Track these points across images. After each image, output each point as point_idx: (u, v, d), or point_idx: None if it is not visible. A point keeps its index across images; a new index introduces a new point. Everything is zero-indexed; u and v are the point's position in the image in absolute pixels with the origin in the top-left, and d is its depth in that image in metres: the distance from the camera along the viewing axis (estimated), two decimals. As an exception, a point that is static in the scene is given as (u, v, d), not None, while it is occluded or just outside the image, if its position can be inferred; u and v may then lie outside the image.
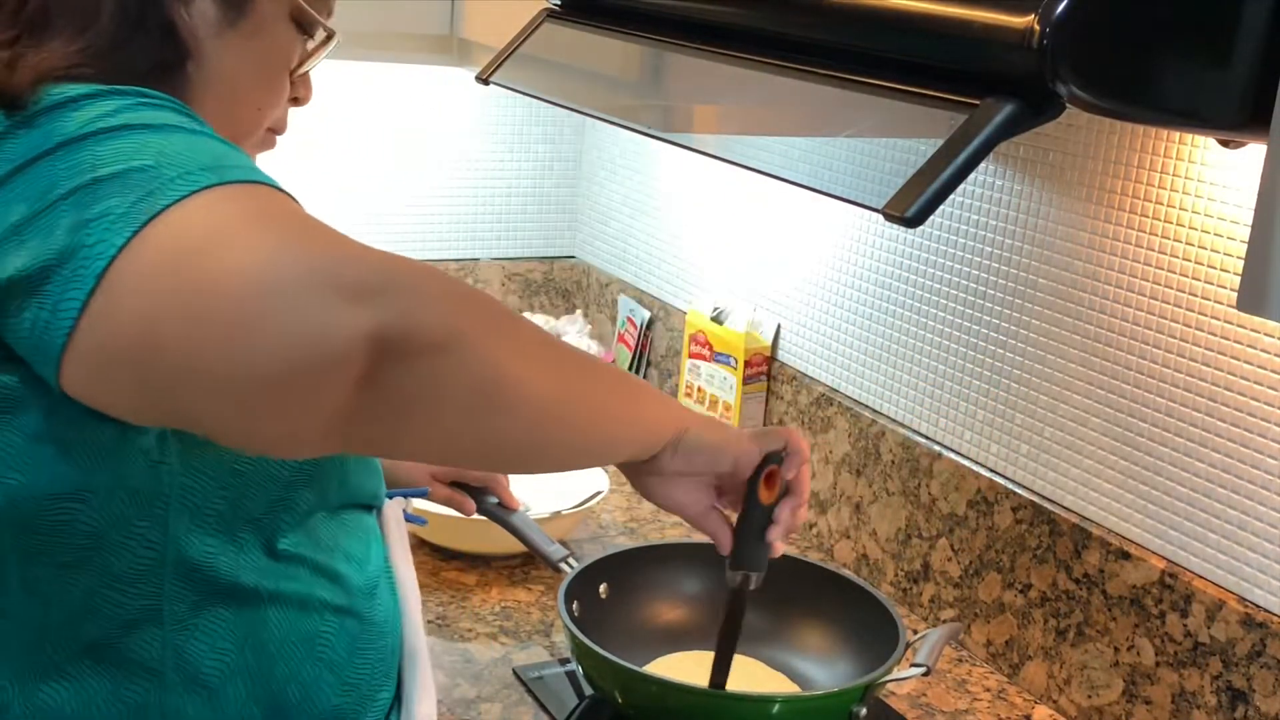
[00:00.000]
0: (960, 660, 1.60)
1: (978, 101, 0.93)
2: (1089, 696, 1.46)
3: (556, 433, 0.96)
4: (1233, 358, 1.31)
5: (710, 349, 1.97)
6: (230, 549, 0.96)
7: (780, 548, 1.20)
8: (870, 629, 1.41)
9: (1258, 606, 1.29)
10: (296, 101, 1.09)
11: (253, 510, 0.97)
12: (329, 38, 1.08)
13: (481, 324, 0.87)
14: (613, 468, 2.03)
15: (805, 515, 1.21)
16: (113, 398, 0.85)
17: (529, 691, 1.46)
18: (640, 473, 1.13)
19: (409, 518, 1.58)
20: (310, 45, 1.06)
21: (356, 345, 0.79)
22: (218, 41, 0.98)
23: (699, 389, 1.99)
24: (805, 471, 1.18)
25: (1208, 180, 1.31)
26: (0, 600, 0.92)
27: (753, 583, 1.21)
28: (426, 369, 0.83)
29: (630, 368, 2.22)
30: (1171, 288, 1.36)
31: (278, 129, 1.09)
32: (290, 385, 0.79)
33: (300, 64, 1.07)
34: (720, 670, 1.28)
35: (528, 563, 1.71)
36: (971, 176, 1.53)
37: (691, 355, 2.01)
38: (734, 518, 1.20)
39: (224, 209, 0.81)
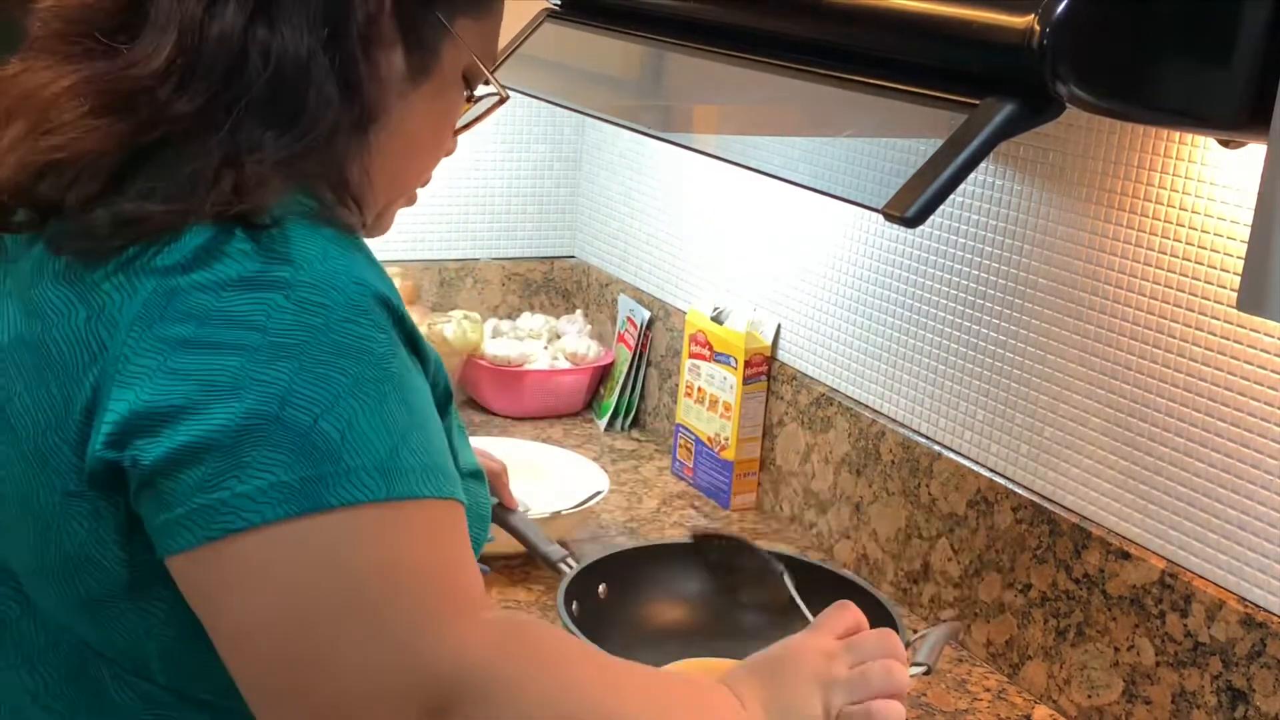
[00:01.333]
0: (960, 660, 1.60)
1: (978, 101, 0.93)
2: (1089, 696, 1.46)
3: None
4: (1233, 358, 1.31)
5: (710, 349, 1.97)
6: None
7: None
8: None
9: (1258, 606, 1.29)
10: (446, 153, 1.05)
11: None
12: (501, 100, 1.05)
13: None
14: (613, 468, 2.04)
15: None
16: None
17: (529, 691, 1.46)
18: None
19: None
20: (468, 98, 1.03)
21: None
22: (402, 103, 0.94)
23: (699, 389, 1.99)
24: None
25: (1208, 180, 1.31)
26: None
27: None
28: None
29: (630, 367, 2.22)
30: (1172, 288, 1.36)
31: (426, 182, 1.06)
32: None
33: (465, 120, 1.04)
34: None
35: (528, 563, 1.71)
36: (971, 176, 1.53)
37: (691, 355, 2.01)
38: None
39: (365, 549, 0.79)
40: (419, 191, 1.06)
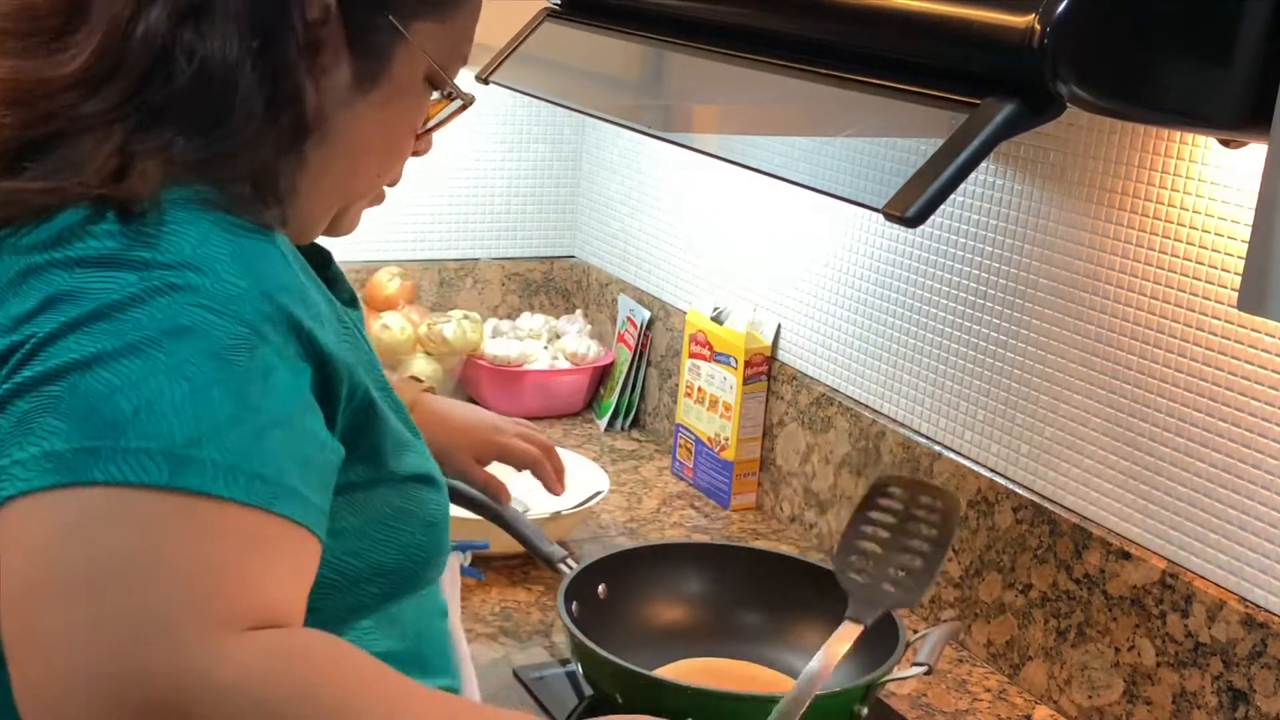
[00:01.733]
0: (961, 660, 1.60)
1: (978, 101, 0.93)
2: (1089, 697, 1.46)
3: None
4: (1233, 358, 1.31)
5: (710, 349, 1.97)
6: None
7: None
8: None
9: (1258, 607, 1.29)
10: (415, 154, 1.03)
11: (334, 610, 0.92)
12: (464, 105, 1.02)
13: None
14: (613, 468, 2.04)
15: None
16: None
17: (529, 692, 1.46)
18: None
19: (465, 571, 1.54)
20: (434, 99, 1.00)
21: None
22: (347, 112, 0.92)
23: (699, 389, 1.99)
24: None
25: (1208, 180, 1.31)
26: None
27: None
28: None
29: (630, 367, 2.22)
30: (1172, 288, 1.36)
31: (393, 182, 1.03)
32: None
33: (427, 125, 1.01)
34: None
35: (528, 563, 1.71)
36: (971, 176, 1.53)
37: (691, 355, 2.01)
38: None
39: (119, 533, 0.74)
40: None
